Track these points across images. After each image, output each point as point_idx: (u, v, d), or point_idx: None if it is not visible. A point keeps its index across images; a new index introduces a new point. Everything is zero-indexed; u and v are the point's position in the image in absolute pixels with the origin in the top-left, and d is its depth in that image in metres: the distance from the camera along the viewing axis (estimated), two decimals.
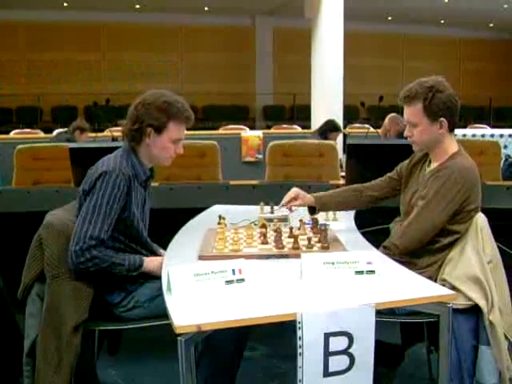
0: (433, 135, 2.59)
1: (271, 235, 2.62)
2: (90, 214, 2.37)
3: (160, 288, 2.08)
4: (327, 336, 1.80)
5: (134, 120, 2.50)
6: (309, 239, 2.48)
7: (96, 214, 2.37)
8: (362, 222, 3.02)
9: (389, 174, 2.89)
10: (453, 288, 2.36)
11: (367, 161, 3.22)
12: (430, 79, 2.59)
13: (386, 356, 2.69)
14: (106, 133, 7.34)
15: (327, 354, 1.81)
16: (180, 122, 2.52)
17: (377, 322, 1.84)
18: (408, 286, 2.09)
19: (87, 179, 2.46)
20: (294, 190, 2.86)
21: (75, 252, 2.33)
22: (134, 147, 2.56)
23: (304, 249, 2.44)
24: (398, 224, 2.78)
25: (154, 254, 2.66)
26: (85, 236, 2.34)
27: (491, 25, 16.91)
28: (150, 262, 2.50)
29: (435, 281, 2.42)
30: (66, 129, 7.43)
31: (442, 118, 2.56)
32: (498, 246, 2.58)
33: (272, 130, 9.91)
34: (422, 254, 2.58)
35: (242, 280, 2.00)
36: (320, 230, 2.58)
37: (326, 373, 1.83)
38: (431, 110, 2.55)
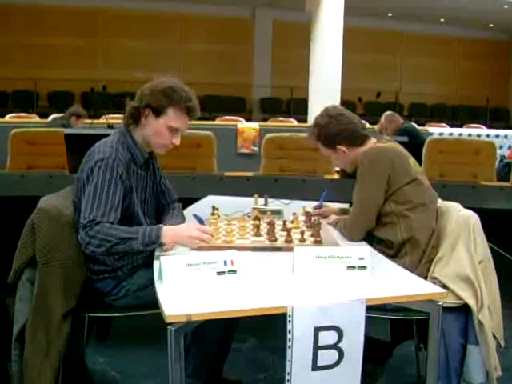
0: (345, 158, 2.77)
1: (264, 227, 2.61)
2: (91, 199, 2.28)
3: (151, 277, 2.08)
4: (317, 330, 1.81)
5: (137, 99, 2.48)
6: (302, 233, 2.48)
7: (98, 200, 2.28)
8: None
9: None
10: (443, 286, 2.37)
11: None
12: (317, 116, 2.77)
13: (375, 352, 2.71)
14: (102, 120, 7.29)
15: (316, 348, 1.82)
16: (180, 110, 2.46)
17: (367, 317, 1.85)
18: (399, 283, 2.09)
19: (84, 166, 2.41)
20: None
21: (81, 238, 2.24)
22: (131, 128, 2.51)
23: (297, 242, 2.44)
24: None
25: None
26: (85, 218, 2.25)
27: (491, 25, 16.89)
28: (169, 231, 2.29)
29: (425, 279, 2.43)
30: (62, 114, 7.38)
31: (338, 146, 2.72)
32: (490, 247, 2.59)
33: (268, 123, 9.86)
34: (401, 254, 2.59)
35: (234, 271, 2.00)
36: (313, 224, 2.58)
37: (315, 367, 1.83)
38: (327, 144, 2.76)
